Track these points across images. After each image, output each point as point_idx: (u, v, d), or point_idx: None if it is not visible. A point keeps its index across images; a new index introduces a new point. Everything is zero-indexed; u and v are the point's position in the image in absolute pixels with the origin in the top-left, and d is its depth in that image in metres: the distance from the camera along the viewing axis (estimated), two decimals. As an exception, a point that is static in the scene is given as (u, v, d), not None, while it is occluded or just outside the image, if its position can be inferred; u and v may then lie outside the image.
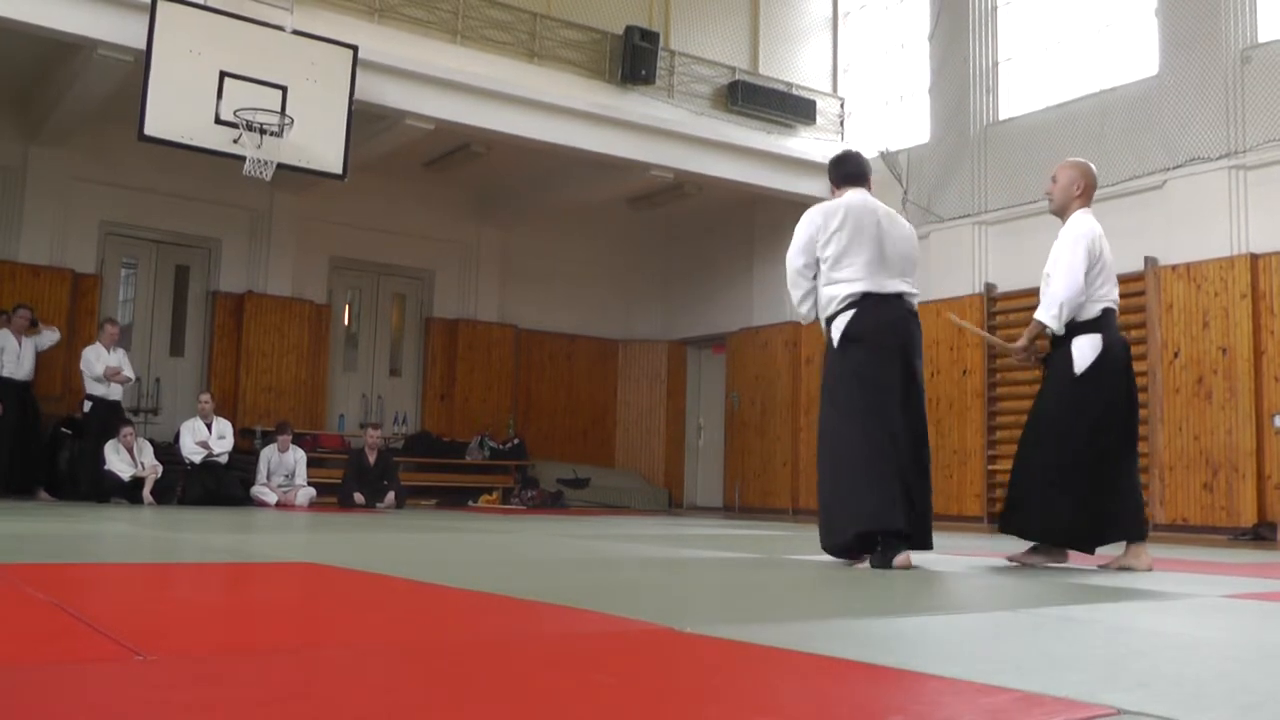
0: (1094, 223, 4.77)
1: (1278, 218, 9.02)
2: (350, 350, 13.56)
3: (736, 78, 12.34)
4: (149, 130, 8.69)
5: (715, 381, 14.64)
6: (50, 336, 10.24)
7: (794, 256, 4.49)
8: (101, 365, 10.04)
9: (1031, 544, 4.62)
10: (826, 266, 4.43)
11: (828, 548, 4.37)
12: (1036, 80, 11.31)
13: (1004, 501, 4.78)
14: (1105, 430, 4.43)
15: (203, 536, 5.50)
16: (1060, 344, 4.65)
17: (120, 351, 10.37)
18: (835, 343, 4.42)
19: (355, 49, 9.52)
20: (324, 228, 12.83)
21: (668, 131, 11.51)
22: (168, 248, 12.29)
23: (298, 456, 10.92)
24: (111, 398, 10.15)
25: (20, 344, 9.98)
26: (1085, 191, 4.84)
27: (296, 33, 9.33)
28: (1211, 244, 9.33)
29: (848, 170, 4.73)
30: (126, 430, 9.98)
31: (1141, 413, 9.61)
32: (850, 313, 4.37)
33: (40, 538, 4.97)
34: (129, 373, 10.35)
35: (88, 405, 10.11)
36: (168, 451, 10.47)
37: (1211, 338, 9.27)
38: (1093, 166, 4.90)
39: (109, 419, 9.98)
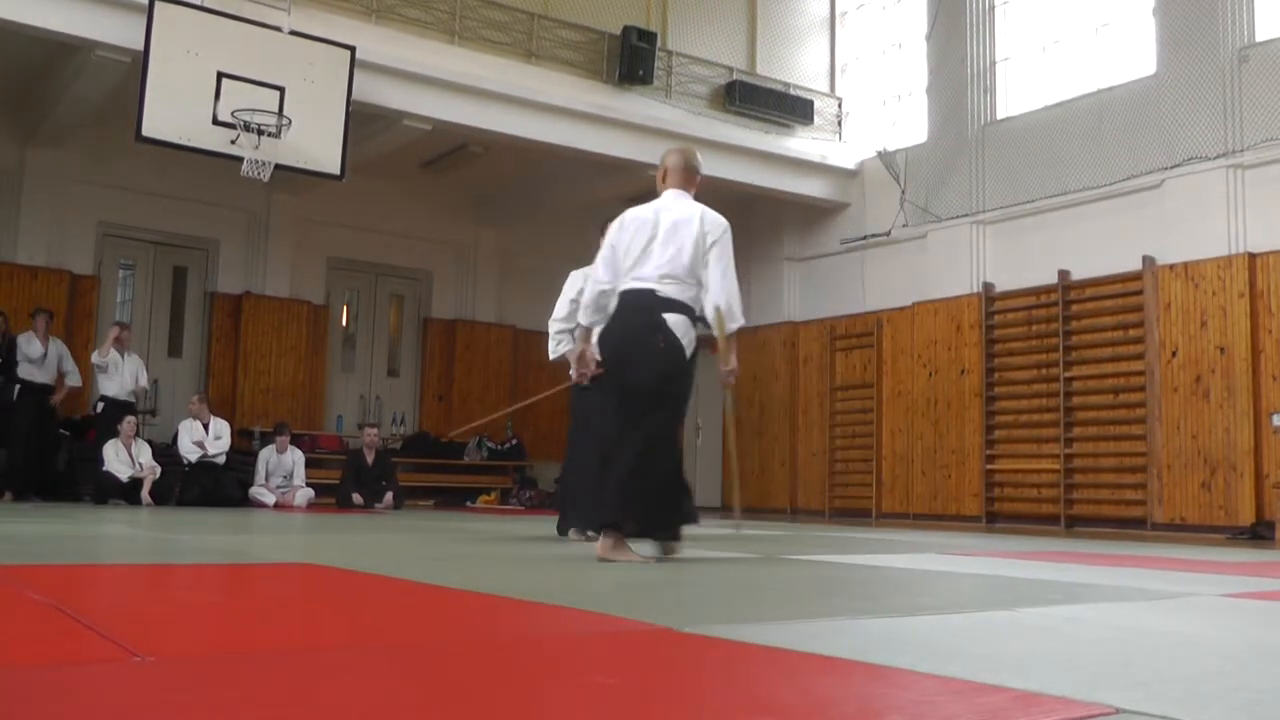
0: (643, 207, 4.47)
1: (1275, 217, 9.02)
2: (348, 351, 13.56)
3: (734, 78, 12.34)
4: (146, 131, 8.68)
5: (714, 382, 14.62)
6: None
7: None
8: (130, 379, 10.31)
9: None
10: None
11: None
12: (1034, 79, 11.32)
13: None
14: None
15: (201, 537, 5.50)
16: None
17: (135, 358, 10.48)
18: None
19: (353, 49, 9.51)
20: (322, 228, 12.82)
21: (665, 131, 11.48)
22: (165, 249, 12.28)
23: (296, 457, 10.91)
24: (123, 398, 10.21)
25: (46, 348, 10.02)
26: (666, 176, 4.57)
27: (294, 33, 9.32)
28: (1209, 243, 9.33)
29: None
30: (129, 419, 9.98)
31: (1139, 411, 9.72)
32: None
33: (39, 539, 4.97)
34: (144, 382, 10.57)
35: (100, 406, 10.18)
36: (166, 452, 10.48)
37: (1209, 337, 9.28)
38: (682, 150, 4.69)
39: (120, 419, 10.03)
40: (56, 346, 10.18)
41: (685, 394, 4.40)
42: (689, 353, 4.32)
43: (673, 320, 4.29)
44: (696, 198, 4.57)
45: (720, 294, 4.32)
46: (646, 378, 4.27)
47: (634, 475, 4.19)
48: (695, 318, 4.38)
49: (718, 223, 4.42)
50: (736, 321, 4.36)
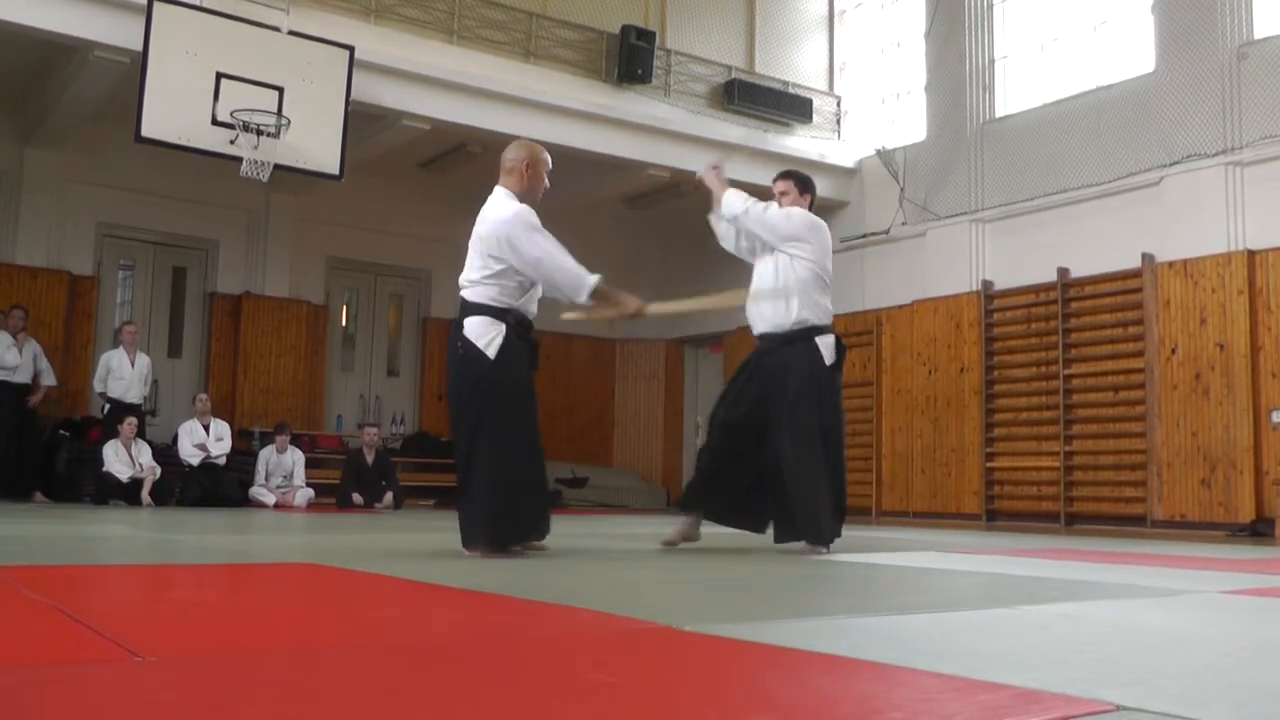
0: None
1: (1274, 214, 9.02)
2: (348, 351, 13.55)
3: (733, 76, 12.34)
4: (146, 131, 8.68)
5: (713, 380, 14.63)
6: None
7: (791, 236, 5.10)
8: (137, 381, 10.34)
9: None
10: (827, 282, 5.14)
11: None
12: (1033, 78, 11.32)
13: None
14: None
15: (201, 538, 5.50)
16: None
17: (145, 358, 10.48)
18: (829, 360, 5.06)
19: (351, 49, 9.50)
20: (321, 228, 12.82)
21: (664, 131, 11.50)
22: (165, 249, 12.28)
23: (296, 457, 10.91)
24: (129, 400, 10.20)
25: (19, 346, 9.97)
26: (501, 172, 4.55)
27: (293, 33, 9.31)
28: (1208, 240, 9.33)
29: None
30: (129, 419, 9.97)
31: (1139, 409, 9.72)
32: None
33: (38, 540, 4.97)
34: (148, 385, 10.64)
35: (106, 407, 10.18)
36: (165, 453, 10.48)
37: (1209, 334, 9.28)
38: (511, 144, 4.62)
39: (123, 420, 10.02)
40: (31, 346, 10.12)
41: (498, 396, 4.23)
42: (493, 354, 4.23)
43: (470, 324, 4.27)
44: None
45: (550, 287, 4.31)
46: (454, 386, 4.30)
47: (479, 486, 4.20)
48: (503, 314, 4.29)
49: (501, 219, 4.30)
50: (580, 294, 4.26)
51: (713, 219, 5.39)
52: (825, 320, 5.13)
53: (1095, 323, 10.29)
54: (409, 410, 13.58)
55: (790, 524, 5.01)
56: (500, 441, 4.22)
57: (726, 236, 5.39)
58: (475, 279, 4.33)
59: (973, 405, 11.08)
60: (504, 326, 4.27)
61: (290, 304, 12.57)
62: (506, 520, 4.22)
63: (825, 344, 5.08)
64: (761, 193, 5.39)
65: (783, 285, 5.02)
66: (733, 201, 5.13)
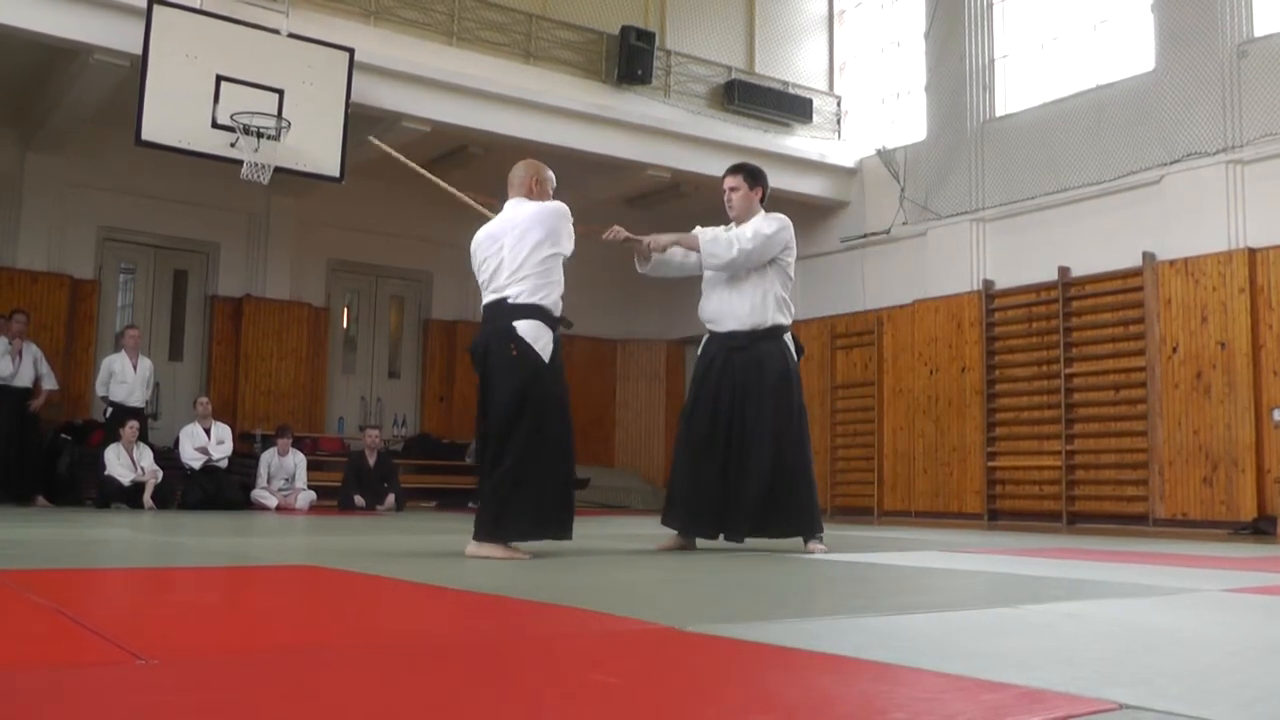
0: (490, 223, 4.68)
1: (1275, 212, 9.02)
2: (349, 353, 13.56)
3: (733, 77, 12.34)
4: (146, 135, 8.68)
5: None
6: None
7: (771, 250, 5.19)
8: (139, 385, 10.33)
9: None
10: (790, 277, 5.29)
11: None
12: (1033, 77, 11.31)
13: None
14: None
15: (202, 540, 5.50)
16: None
17: (146, 362, 10.47)
18: (796, 358, 5.20)
19: (351, 51, 9.50)
20: (322, 230, 12.82)
21: (665, 131, 11.49)
22: (166, 252, 12.28)
23: (297, 460, 10.91)
24: (130, 404, 10.19)
25: (18, 350, 9.96)
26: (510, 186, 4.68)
27: (292, 36, 9.31)
28: (1209, 239, 9.33)
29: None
30: (131, 423, 9.97)
31: (1140, 407, 9.72)
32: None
33: (41, 543, 4.97)
34: (150, 388, 10.61)
35: (109, 411, 10.17)
36: (167, 456, 10.48)
37: (1210, 332, 9.27)
38: (519, 164, 4.76)
39: (125, 424, 10.02)
40: (31, 350, 10.11)
41: (552, 398, 4.33)
42: (547, 357, 4.32)
43: (524, 326, 4.33)
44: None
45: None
46: (506, 387, 4.29)
47: (518, 483, 4.24)
48: (553, 319, 4.39)
49: (553, 206, 4.52)
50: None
51: (649, 270, 5.40)
52: (790, 321, 5.23)
53: (1096, 322, 10.29)
54: (410, 412, 13.58)
55: (770, 521, 4.95)
56: (561, 439, 4.36)
57: (684, 266, 5.37)
58: (521, 276, 4.37)
59: (974, 405, 11.07)
60: (552, 333, 4.38)
61: (291, 306, 12.57)
62: (564, 514, 4.38)
63: (789, 342, 5.20)
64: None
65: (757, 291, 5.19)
66: (716, 251, 5.09)
